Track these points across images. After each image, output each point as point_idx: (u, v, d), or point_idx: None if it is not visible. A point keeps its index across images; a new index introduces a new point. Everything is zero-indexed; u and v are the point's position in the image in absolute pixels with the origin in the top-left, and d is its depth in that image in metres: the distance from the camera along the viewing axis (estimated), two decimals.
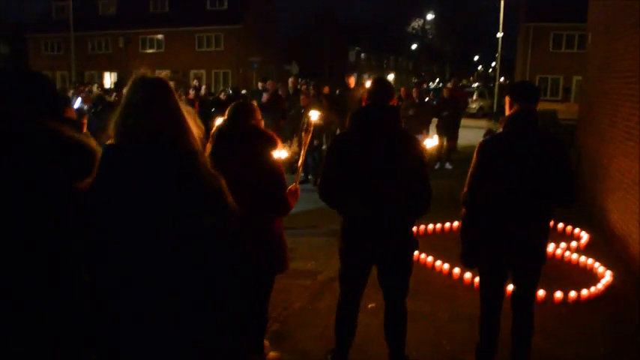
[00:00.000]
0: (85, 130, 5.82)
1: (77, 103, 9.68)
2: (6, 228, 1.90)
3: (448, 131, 13.19)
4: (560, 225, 7.56)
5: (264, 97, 11.12)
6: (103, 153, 2.08)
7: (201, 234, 2.05)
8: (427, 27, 68.84)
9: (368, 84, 3.94)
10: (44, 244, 1.94)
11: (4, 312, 1.91)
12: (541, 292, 5.16)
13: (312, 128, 4.43)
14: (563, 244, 6.78)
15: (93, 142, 2.12)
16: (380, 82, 3.76)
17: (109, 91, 17.47)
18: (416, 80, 37.98)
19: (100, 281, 2.06)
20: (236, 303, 2.22)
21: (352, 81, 12.75)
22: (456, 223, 7.49)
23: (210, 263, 2.08)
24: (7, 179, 1.90)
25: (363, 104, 3.70)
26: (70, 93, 11.60)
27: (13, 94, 2.06)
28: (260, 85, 15.92)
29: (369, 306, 4.75)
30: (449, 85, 14.32)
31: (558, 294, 5.24)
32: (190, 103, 12.51)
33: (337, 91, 12.88)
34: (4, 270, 1.91)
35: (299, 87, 13.74)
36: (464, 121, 16.43)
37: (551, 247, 6.56)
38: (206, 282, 2.07)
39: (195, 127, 2.20)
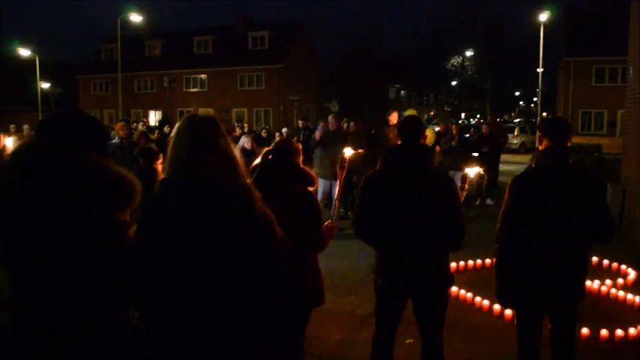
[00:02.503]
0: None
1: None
2: (51, 258, 1.99)
3: (488, 167, 13.08)
4: (606, 262, 7.36)
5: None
6: (159, 186, 2.15)
7: (256, 268, 2.09)
8: (466, 64, 68.90)
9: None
10: (87, 273, 2.02)
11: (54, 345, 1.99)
12: (585, 330, 5.03)
13: (346, 164, 4.51)
14: (608, 281, 6.59)
15: (132, 176, 2.20)
16: (409, 121, 3.82)
17: (152, 129, 17.97)
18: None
19: (148, 312, 2.11)
20: (280, 338, 2.25)
21: (394, 117, 12.83)
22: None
23: (264, 296, 2.11)
24: (53, 209, 2.00)
25: (394, 143, 3.76)
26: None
27: (63, 132, 2.18)
28: (300, 123, 16.15)
29: (407, 341, 4.71)
30: (488, 119, 14.26)
31: (604, 332, 5.09)
32: (235, 140, 12.99)
33: (373, 131, 12.93)
34: (47, 299, 2.00)
35: (343, 125, 13.86)
36: (505, 157, 16.27)
37: (595, 284, 6.40)
38: (257, 315, 2.10)
39: (241, 164, 2.26)
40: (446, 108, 69.75)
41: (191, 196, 2.08)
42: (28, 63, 42.97)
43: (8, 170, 2.10)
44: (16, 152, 2.15)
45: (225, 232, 2.05)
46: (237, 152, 2.27)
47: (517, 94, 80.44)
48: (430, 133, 14.74)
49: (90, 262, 2.02)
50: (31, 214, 2.02)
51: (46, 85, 46.12)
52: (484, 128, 14.15)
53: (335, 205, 4.63)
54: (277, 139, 9.00)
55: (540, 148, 3.61)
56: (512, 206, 3.54)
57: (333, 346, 5.07)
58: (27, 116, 31.10)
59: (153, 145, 7.21)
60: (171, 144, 2.22)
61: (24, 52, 42.43)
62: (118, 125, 10.46)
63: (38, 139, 2.19)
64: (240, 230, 2.07)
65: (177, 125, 2.27)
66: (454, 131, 12.86)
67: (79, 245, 2.00)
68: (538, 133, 3.67)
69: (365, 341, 4.75)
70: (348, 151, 4.58)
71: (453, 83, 70.77)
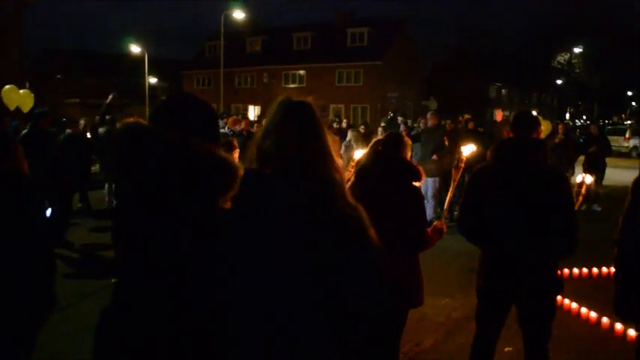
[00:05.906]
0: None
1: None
2: (156, 243, 2.01)
3: (595, 169, 12.37)
4: None
5: (403, 128, 11.21)
6: (242, 177, 2.02)
7: (339, 267, 1.94)
8: (574, 61, 65.50)
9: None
10: (189, 258, 2.02)
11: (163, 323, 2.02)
12: None
13: (463, 164, 4.24)
14: None
15: (233, 160, 2.13)
16: (523, 115, 3.62)
17: (252, 123, 18.46)
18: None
19: (223, 307, 2.00)
20: (374, 343, 2.12)
21: (499, 114, 12.71)
22: (604, 269, 6.95)
23: (348, 301, 1.96)
24: (159, 194, 1.99)
25: (506, 136, 3.58)
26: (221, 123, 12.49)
27: (168, 115, 2.11)
28: (399, 119, 16.26)
29: (506, 349, 4.50)
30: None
31: None
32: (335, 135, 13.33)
33: (480, 129, 12.93)
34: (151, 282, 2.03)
35: (444, 123, 13.72)
36: (615, 161, 15.38)
37: None
38: (344, 321, 1.96)
39: (337, 157, 2.10)
40: (553, 103, 66.49)
41: (265, 183, 1.99)
42: (139, 60, 45.38)
43: (116, 152, 2.07)
44: (121, 134, 2.09)
45: (302, 226, 1.92)
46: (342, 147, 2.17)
47: (629, 94, 75.55)
48: (546, 125, 14.02)
49: (193, 247, 2.00)
50: (139, 198, 2.03)
51: (153, 80, 48.58)
52: (593, 129, 13.74)
53: (446, 205, 4.40)
54: (379, 135, 8.99)
55: None
56: (636, 207, 3.24)
57: (427, 348, 4.94)
58: (135, 109, 32.88)
59: (232, 138, 7.52)
60: (260, 130, 2.13)
61: (135, 50, 44.81)
62: (231, 119, 11.05)
63: (150, 124, 2.16)
64: (317, 225, 1.93)
65: (270, 110, 2.14)
66: (560, 130, 12.42)
67: (185, 231, 2.00)
68: None
69: (459, 346, 4.60)
70: (467, 150, 4.32)
71: (559, 82, 67.42)
